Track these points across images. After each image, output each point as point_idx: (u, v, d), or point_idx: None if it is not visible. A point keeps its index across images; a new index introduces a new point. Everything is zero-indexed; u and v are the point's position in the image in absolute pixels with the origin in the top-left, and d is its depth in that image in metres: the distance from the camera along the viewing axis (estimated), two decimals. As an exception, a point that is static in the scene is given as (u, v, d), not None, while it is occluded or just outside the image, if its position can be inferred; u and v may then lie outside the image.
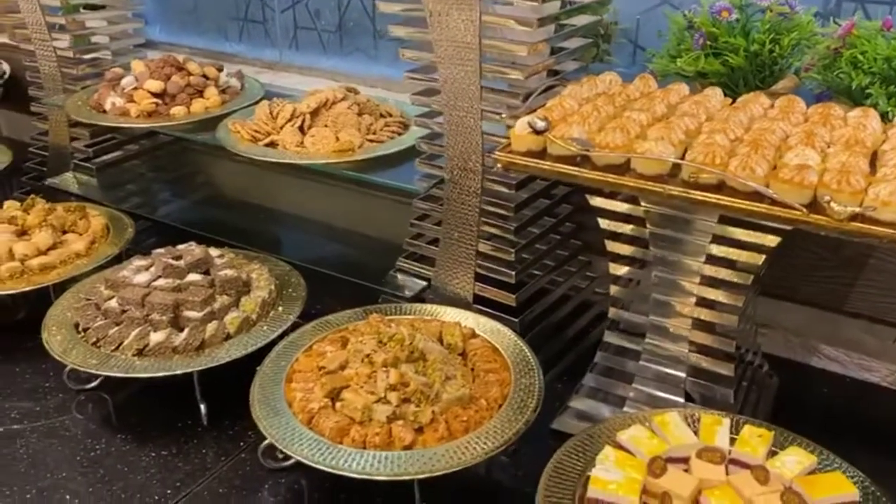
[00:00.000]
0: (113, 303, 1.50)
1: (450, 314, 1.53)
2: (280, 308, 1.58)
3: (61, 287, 1.69)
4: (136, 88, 1.98)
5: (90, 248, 1.80)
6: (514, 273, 1.54)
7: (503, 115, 1.40)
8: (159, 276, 1.54)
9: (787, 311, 1.65)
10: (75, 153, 2.30)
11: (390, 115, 1.87)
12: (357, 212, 2.10)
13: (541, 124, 1.20)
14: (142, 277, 1.53)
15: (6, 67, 2.68)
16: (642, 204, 1.25)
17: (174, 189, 2.43)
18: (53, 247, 1.77)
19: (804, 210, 1.04)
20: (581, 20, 1.50)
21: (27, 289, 1.67)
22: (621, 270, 1.38)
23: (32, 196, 1.91)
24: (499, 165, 1.26)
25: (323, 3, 2.28)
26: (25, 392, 1.59)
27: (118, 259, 1.79)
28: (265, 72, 2.44)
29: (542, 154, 1.25)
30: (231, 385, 1.46)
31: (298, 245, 2.14)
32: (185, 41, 2.68)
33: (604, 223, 1.33)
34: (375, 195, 1.97)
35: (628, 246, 1.35)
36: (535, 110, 1.34)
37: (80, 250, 1.78)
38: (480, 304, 1.61)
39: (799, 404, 1.52)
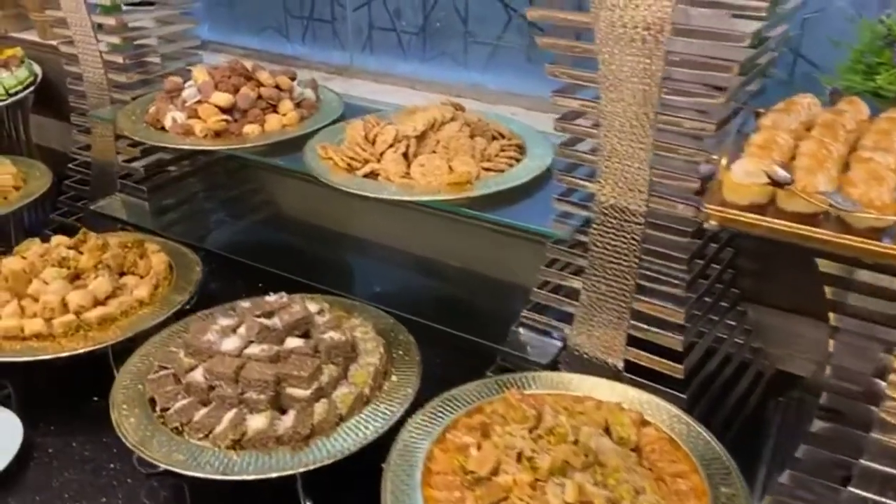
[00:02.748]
0: (197, 375, 1.23)
1: (603, 389, 1.26)
2: (394, 377, 1.31)
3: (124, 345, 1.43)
4: (200, 102, 1.70)
5: (154, 295, 1.53)
6: (681, 338, 1.27)
7: (715, 155, 1.11)
8: (251, 341, 1.26)
9: None
10: (122, 171, 2.02)
11: (502, 136, 1.59)
12: (459, 245, 1.82)
13: (783, 174, 0.92)
14: (231, 343, 1.25)
15: (38, 69, 2.40)
16: (901, 276, 0.97)
17: (234, 214, 2.14)
18: (112, 293, 1.49)
19: None
20: (778, 30, 1.22)
21: (87, 350, 1.39)
22: (843, 348, 1.10)
23: (84, 231, 1.63)
24: (712, 222, 0.98)
25: (404, 1, 2.00)
26: (87, 475, 1.34)
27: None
28: (333, 78, 2.16)
29: (763, 207, 0.98)
30: (337, 476, 1.20)
31: (383, 282, 1.85)
32: (238, 41, 2.40)
33: (832, 293, 1.06)
34: (483, 227, 1.68)
35: (856, 320, 1.07)
36: (739, 146, 1.07)
37: (144, 297, 1.50)
38: (630, 372, 1.34)
39: None
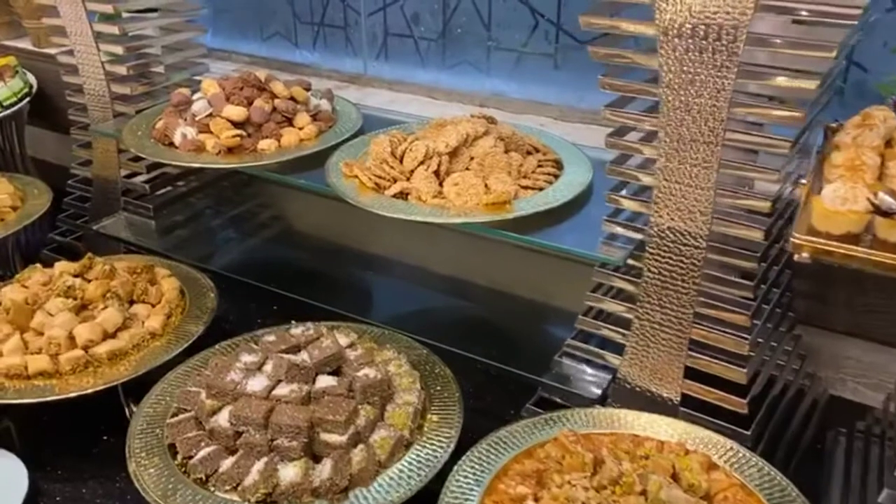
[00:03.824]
0: (222, 420, 1.12)
1: (661, 427, 1.16)
2: (433, 416, 1.21)
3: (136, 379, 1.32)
4: (211, 115, 1.59)
5: (166, 325, 1.42)
6: (745, 370, 1.17)
7: (804, 179, 1.01)
8: (280, 381, 1.16)
9: None
10: (125, 187, 1.91)
11: (537, 151, 1.49)
12: (491, 265, 1.71)
13: (891, 202, 0.82)
14: (257, 383, 1.15)
15: (33, 80, 2.28)
16: None
17: (245, 231, 2.03)
18: (122, 325, 1.38)
19: None
20: (854, 38, 1.12)
21: (97, 389, 1.28)
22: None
23: (89, 256, 1.52)
24: (804, 254, 0.88)
25: (422, 6, 1.90)
26: (101, 532, 1.23)
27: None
28: (346, 86, 2.06)
29: (857, 236, 0.88)
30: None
31: (408, 306, 1.75)
32: (244, 48, 2.29)
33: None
34: (517, 245, 1.58)
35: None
36: (817, 165, 0.97)
37: (156, 328, 1.40)
38: (685, 406, 1.24)
39: None
